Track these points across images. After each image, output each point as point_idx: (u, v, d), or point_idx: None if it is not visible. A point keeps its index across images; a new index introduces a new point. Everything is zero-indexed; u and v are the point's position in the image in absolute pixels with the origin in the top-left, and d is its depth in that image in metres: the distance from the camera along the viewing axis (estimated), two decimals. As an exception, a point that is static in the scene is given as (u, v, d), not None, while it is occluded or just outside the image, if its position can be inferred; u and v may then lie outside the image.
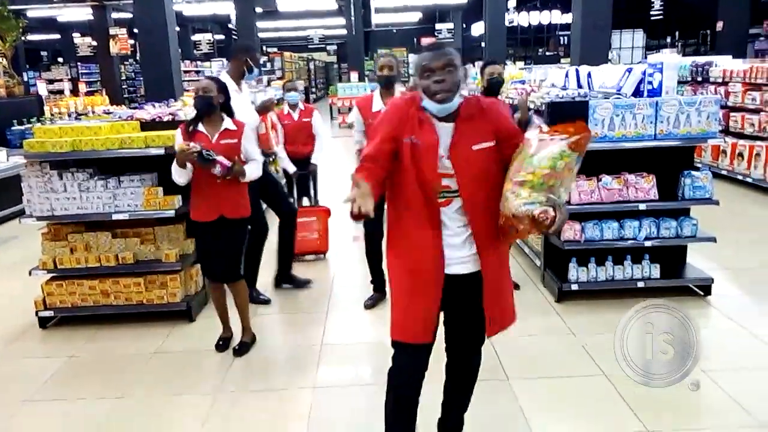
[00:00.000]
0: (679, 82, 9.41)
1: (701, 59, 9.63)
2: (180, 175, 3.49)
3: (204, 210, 3.58)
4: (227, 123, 3.57)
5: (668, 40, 22.51)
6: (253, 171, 3.65)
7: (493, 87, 4.41)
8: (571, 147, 1.98)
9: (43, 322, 4.30)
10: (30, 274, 4.24)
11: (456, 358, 2.46)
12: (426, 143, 2.11)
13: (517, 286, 4.36)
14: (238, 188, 3.61)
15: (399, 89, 4.19)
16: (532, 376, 3.39)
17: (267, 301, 4.51)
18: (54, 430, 3.16)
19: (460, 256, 2.18)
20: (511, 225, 2.05)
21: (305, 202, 5.83)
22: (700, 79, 9.16)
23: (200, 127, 3.52)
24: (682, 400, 3.06)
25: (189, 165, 3.41)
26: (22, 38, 13.72)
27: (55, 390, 3.49)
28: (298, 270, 5.01)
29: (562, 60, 18.42)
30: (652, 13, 16.05)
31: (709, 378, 3.23)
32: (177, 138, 3.57)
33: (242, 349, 3.78)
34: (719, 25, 14.86)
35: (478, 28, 24.32)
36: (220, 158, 3.37)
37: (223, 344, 3.85)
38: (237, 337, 3.88)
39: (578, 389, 3.27)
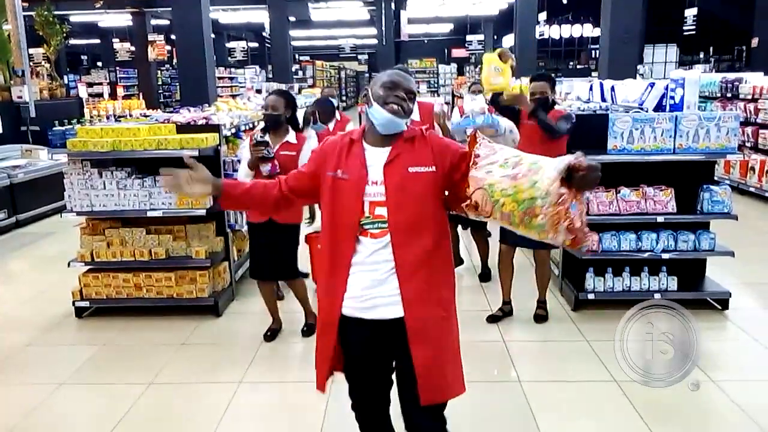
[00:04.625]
0: (709, 98, 9.38)
1: (731, 75, 9.57)
2: (247, 176, 3.73)
3: (256, 212, 3.82)
4: (290, 136, 3.82)
5: (701, 55, 22.26)
6: None
7: (538, 107, 3.86)
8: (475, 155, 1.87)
9: (79, 312, 4.53)
10: (69, 265, 4.47)
11: (408, 423, 2.10)
12: (352, 175, 2.00)
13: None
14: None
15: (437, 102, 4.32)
16: (543, 380, 3.48)
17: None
18: (87, 411, 3.37)
19: (383, 292, 1.99)
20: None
21: None
22: (729, 95, 9.11)
23: (267, 138, 3.75)
24: (692, 408, 3.13)
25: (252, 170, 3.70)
26: (65, 43, 14.25)
27: (88, 375, 3.70)
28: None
29: (593, 73, 18.35)
30: (684, 28, 15.91)
31: (720, 389, 3.28)
32: (244, 144, 3.87)
33: (310, 329, 4.03)
34: (754, 41, 14.68)
35: (508, 40, 24.37)
36: (276, 163, 3.65)
37: (271, 335, 4.07)
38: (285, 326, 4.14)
39: (588, 394, 3.35)
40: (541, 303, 4.28)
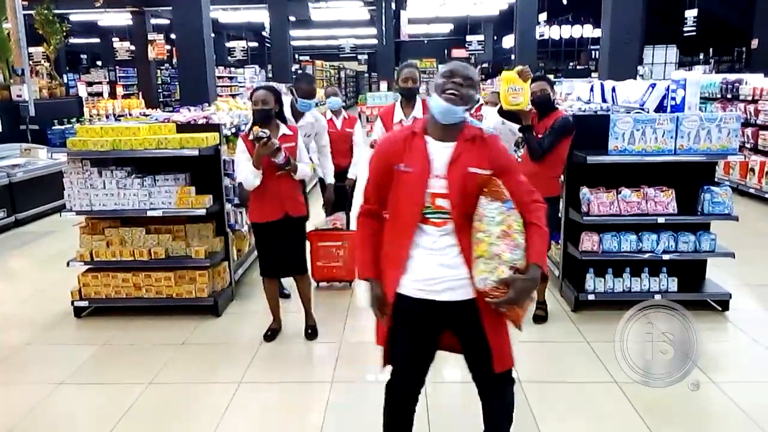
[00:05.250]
0: (709, 99, 9.38)
1: (731, 76, 9.57)
2: (255, 176, 3.69)
3: (269, 210, 3.82)
4: (283, 129, 3.84)
5: (701, 56, 22.27)
6: (303, 169, 3.91)
7: (537, 107, 3.97)
8: (486, 196, 2.09)
9: (78, 312, 4.52)
10: (68, 265, 4.46)
11: (484, 390, 2.34)
12: (416, 168, 2.14)
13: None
14: (297, 188, 3.92)
15: (420, 100, 4.29)
16: (543, 380, 3.48)
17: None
18: (86, 411, 3.35)
19: (454, 275, 2.14)
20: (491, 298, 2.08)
21: (342, 218, 5.12)
22: (729, 96, 9.12)
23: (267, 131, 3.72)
24: (692, 409, 3.12)
25: (261, 168, 3.67)
26: (65, 42, 14.24)
27: (88, 374, 3.69)
28: (321, 293, 5.10)
29: (593, 74, 18.36)
30: (685, 29, 15.91)
31: (720, 389, 3.28)
32: (239, 146, 3.81)
33: (313, 333, 4.07)
34: (754, 42, 14.70)
35: (508, 41, 24.38)
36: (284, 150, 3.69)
37: (271, 335, 4.06)
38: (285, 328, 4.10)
39: (588, 395, 3.34)
40: (541, 304, 4.27)
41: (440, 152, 2.15)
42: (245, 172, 3.72)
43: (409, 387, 2.39)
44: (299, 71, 5.96)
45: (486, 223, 2.07)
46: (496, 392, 2.33)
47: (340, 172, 5.26)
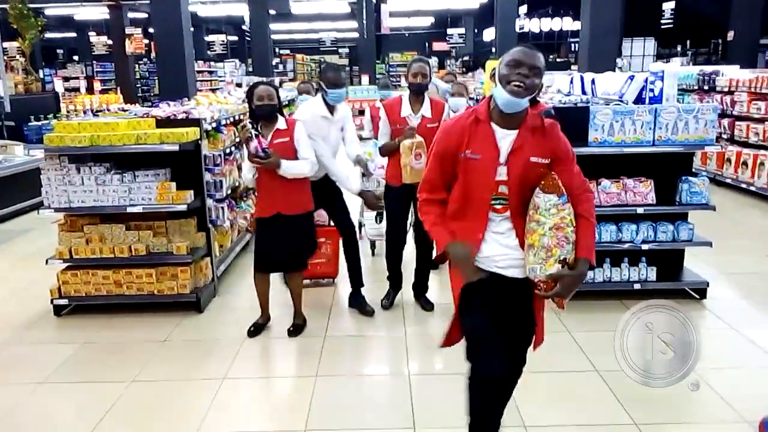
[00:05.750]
0: (686, 91, 9.50)
1: (708, 68, 9.70)
2: (248, 170, 3.76)
3: (263, 206, 3.84)
4: (280, 123, 3.80)
5: (678, 48, 22.51)
6: (294, 167, 3.75)
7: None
8: (543, 188, 2.15)
9: (58, 310, 4.46)
10: (47, 263, 4.40)
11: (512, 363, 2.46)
12: (485, 155, 2.17)
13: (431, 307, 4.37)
14: (295, 186, 3.81)
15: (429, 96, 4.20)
16: (525, 370, 3.50)
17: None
18: (67, 410, 3.32)
19: (515, 255, 2.24)
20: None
21: (325, 214, 4.77)
22: (706, 87, 9.24)
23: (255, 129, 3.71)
24: (672, 396, 3.17)
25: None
26: (41, 36, 13.99)
27: (68, 374, 3.65)
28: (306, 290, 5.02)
29: (573, 66, 18.48)
30: (662, 21, 16.08)
31: (699, 376, 3.32)
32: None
33: (297, 330, 4.04)
34: (730, 34, 14.89)
35: (489, 34, 24.42)
36: (262, 140, 3.62)
37: (255, 330, 4.04)
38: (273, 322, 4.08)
39: (571, 384, 3.38)
40: None
41: (504, 140, 2.18)
42: (244, 170, 3.80)
43: (499, 364, 2.32)
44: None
45: (540, 213, 2.13)
46: (522, 361, 2.48)
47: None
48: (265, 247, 3.92)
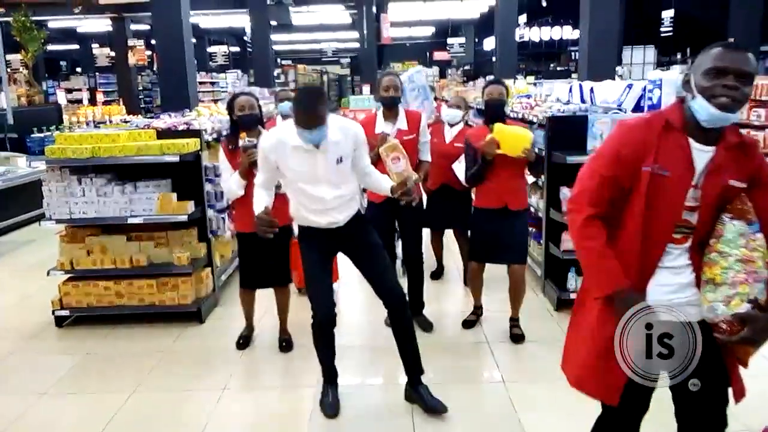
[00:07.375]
0: (686, 98, 9.50)
1: (708, 76, 9.70)
2: (239, 187, 3.62)
3: (243, 222, 3.71)
4: (262, 134, 3.71)
5: (678, 56, 22.58)
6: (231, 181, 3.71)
7: (490, 110, 3.95)
8: (729, 213, 1.80)
9: (60, 321, 4.47)
10: (48, 274, 4.42)
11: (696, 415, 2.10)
12: (675, 173, 1.78)
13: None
14: (276, 200, 3.53)
15: (402, 109, 4.06)
16: (527, 380, 3.51)
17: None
18: (69, 421, 3.31)
19: (689, 295, 1.86)
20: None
21: None
22: (706, 95, 9.24)
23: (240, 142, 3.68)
24: (670, 403, 3.15)
25: (246, 178, 3.56)
26: (43, 49, 14.09)
27: (70, 384, 3.65)
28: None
29: (573, 75, 18.54)
30: (662, 29, 16.14)
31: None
32: (221, 155, 3.79)
33: (289, 344, 4.00)
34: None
35: (489, 43, 24.53)
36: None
37: (243, 342, 4.03)
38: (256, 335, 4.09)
39: (572, 393, 3.35)
40: (515, 321, 4.10)
41: (699, 156, 1.79)
42: (228, 182, 3.69)
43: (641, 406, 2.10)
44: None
45: (724, 243, 1.78)
46: (723, 423, 2.03)
47: None
48: (248, 263, 3.91)
